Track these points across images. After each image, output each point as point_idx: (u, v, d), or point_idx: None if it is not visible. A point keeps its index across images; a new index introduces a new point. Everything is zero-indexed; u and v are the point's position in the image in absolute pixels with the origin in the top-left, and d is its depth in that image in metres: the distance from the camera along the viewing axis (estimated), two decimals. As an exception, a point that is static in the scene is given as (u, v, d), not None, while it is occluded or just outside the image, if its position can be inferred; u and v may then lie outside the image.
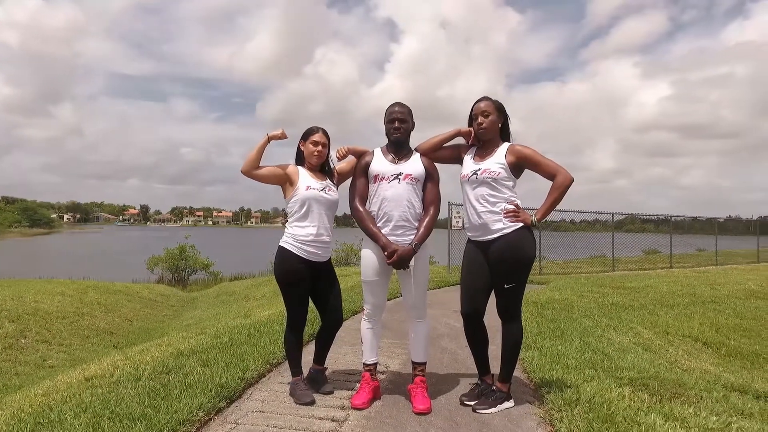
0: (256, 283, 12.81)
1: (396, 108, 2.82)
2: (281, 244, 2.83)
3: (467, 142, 2.90)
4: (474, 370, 2.99)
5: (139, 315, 9.75)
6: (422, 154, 2.90)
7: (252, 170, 2.81)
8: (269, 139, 2.84)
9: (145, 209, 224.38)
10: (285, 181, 2.88)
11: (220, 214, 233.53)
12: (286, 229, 2.86)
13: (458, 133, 2.89)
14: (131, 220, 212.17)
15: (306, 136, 2.92)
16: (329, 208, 2.89)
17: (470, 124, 2.86)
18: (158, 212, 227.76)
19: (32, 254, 35.37)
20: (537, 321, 5.29)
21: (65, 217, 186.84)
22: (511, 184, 2.72)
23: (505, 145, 2.77)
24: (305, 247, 2.79)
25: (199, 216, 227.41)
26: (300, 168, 2.91)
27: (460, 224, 11.54)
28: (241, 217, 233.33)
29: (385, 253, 2.68)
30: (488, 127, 2.75)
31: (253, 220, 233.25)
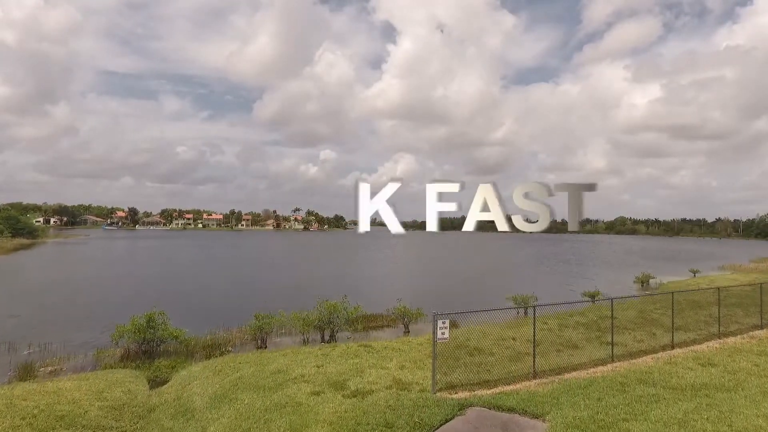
0: (222, 390, 11.49)
1: None
2: None
3: None
4: None
5: (76, 467, 8.44)
6: None
7: None
8: None
9: (133, 212, 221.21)
10: None
11: (210, 216, 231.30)
12: None
13: None
14: (119, 223, 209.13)
15: None
16: None
17: None
18: (147, 214, 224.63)
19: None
20: None
21: (51, 220, 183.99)
22: None
23: None
24: None
25: (188, 218, 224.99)
26: None
27: (446, 335, 10.65)
28: (231, 219, 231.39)
29: None
30: None
31: (243, 222, 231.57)
